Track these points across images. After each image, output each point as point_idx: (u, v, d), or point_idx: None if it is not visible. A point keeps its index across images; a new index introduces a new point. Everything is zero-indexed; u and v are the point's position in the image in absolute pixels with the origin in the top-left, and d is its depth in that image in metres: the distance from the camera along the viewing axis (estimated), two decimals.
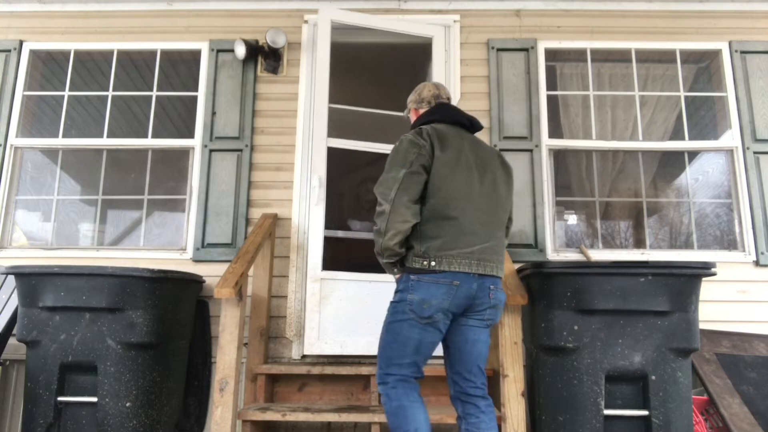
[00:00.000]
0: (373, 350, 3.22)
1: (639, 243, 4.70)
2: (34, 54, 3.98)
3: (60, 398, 2.66)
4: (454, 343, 2.14)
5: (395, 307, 2.11)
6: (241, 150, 3.69)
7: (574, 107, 3.98)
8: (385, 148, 3.60)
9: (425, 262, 2.04)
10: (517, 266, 2.82)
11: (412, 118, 2.46)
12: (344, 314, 3.35)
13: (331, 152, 3.55)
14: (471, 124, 2.31)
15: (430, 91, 2.40)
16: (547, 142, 3.70)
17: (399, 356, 2.07)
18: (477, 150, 2.22)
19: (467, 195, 2.11)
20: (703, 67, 4.02)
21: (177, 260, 3.54)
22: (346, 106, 3.75)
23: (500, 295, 2.17)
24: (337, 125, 3.73)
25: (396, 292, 2.14)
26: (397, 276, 2.16)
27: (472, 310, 2.10)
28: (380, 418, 2.72)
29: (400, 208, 2.04)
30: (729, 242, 3.74)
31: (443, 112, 2.30)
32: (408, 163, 2.09)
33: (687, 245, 4.46)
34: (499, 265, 2.15)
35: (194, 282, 3.17)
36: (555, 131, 3.84)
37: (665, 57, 3.91)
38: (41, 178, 4.42)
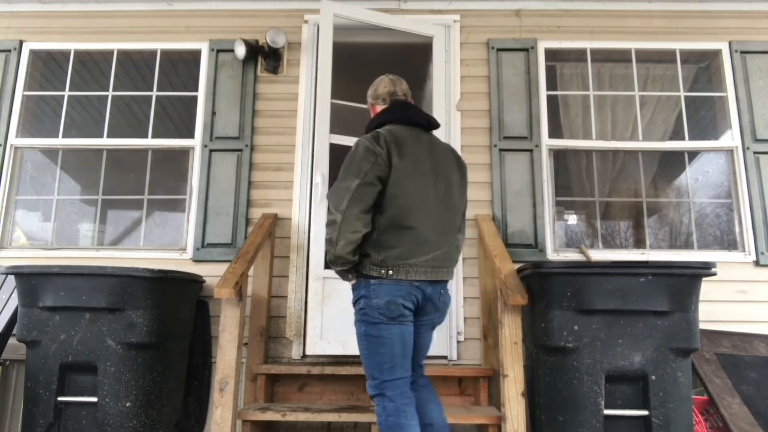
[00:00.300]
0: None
1: (639, 243, 4.70)
2: (34, 54, 3.98)
3: (60, 398, 2.66)
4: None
5: (364, 314, 2.10)
6: (241, 150, 3.69)
7: (574, 107, 3.97)
8: None
9: (383, 271, 2.06)
10: (517, 266, 2.82)
11: (371, 113, 2.43)
12: (347, 314, 3.34)
13: (334, 149, 3.52)
14: (428, 123, 2.29)
15: (386, 88, 2.36)
16: (547, 142, 3.70)
17: (389, 360, 2.06)
18: (433, 152, 2.22)
19: (423, 203, 2.12)
20: (703, 67, 4.02)
21: (177, 260, 3.54)
22: (348, 102, 3.72)
23: (447, 299, 2.24)
24: (338, 123, 3.72)
25: (359, 298, 2.13)
26: (353, 282, 2.16)
27: (422, 312, 2.15)
28: None
29: (351, 219, 2.02)
30: (729, 242, 3.74)
31: (400, 113, 2.26)
32: (362, 173, 2.06)
33: (687, 245, 4.46)
34: (450, 269, 2.20)
35: (194, 282, 3.17)
36: (555, 131, 3.84)
37: (665, 57, 3.91)
38: (41, 178, 4.42)
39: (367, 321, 2.09)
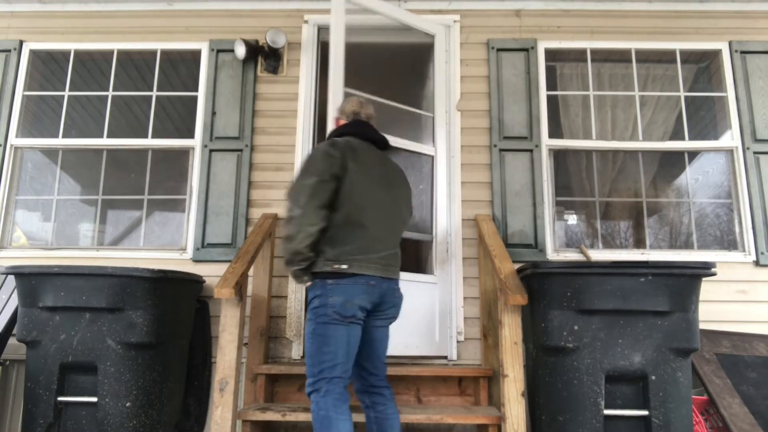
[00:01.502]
0: None
1: (639, 243, 4.70)
2: (34, 54, 3.98)
3: (60, 398, 2.67)
4: (363, 342, 2.26)
5: (317, 312, 2.17)
6: (241, 150, 3.69)
7: (574, 107, 3.97)
8: (398, 142, 3.50)
9: (336, 266, 2.16)
10: (517, 266, 2.82)
11: (336, 125, 2.61)
12: None
13: None
14: (383, 143, 2.48)
15: (353, 107, 2.55)
16: (547, 142, 3.70)
17: (331, 359, 2.14)
18: (386, 165, 2.41)
19: (375, 205, 2.28)
20: (703, 67, 4.02)
21: (177, 260, 3.54)
22: (362, 92, 3.59)
23: (401, 295, 2.38)
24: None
25: (314, 297, 2.20)
26: (309, 284, 2.23)
27: (379, 309, 2.27)
28: None
29: (310, 213, 2.14)
30: (729, 242, 3.74)
31: (359, 128, 2.44)
32: (320, 172, 2.20)
33: (687, 245, 4.46)
34: (398, 269, 2.36)
35: (194, 282, 3.17)
36: (555, 131, 3.84)
37: (665, 57, 3.91)
38: (41, 178, 4.42)
39: (318, 320, 2.17)
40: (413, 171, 3.58)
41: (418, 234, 3.52)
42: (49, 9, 3.99)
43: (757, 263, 3.48)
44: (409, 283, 3.27)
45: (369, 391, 2.34)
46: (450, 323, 3.41)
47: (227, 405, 2.57)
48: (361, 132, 2.42)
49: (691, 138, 3.83)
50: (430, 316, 3.38)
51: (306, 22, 3.90)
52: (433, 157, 3.66)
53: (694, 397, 2.68)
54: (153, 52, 3.95)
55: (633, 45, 3.85)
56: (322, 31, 3.94)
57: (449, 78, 3.80)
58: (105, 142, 3.86)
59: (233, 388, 2.59)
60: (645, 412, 2.44)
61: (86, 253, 3.63)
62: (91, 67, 4.19)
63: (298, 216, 2.14)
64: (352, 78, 3.46)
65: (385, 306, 2.28)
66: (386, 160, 2.45)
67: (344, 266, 2.15)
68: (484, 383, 3.06)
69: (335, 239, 2.18)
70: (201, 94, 3.82)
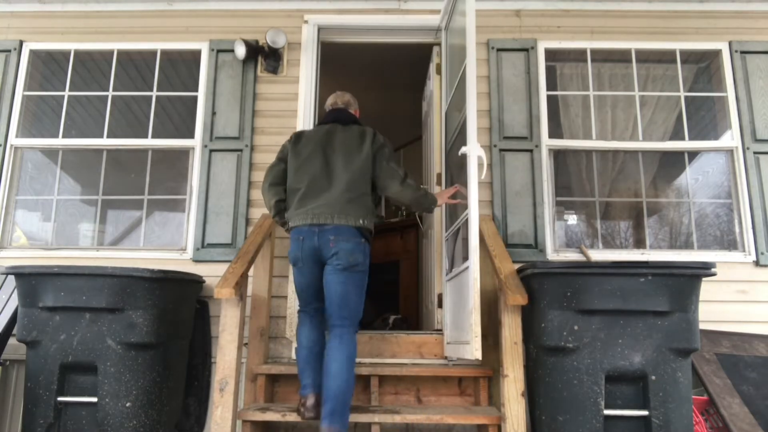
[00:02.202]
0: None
1: (639, 243, 4.70)
2: (34, 54, 3.98)
3: (60, 398, 2.67)
4: (323, 286, 2.68)
5: None
6: (241, 150, 3.69)
7: (574, 107, 3.97)
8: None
9: (286, 224, 2.85)
10: (517, 266, 2.82)
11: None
12: None
13: None
14: (345, 120, 2.93)
15: (330, 100, 3.09)
16: (547, 142, 3.70)
17: (298, 295, 2.80)
18: (331, 137, 2.83)
19: (307, 170, 2.77)
20: (703, 67, 4.02)
21: (177, 260, 3.54)
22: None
23: (342, 245, 2.62)
24: None
25: None
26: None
27: (323, 257, 2.64)
28: (380, 418, 2.72)
29: (264, 190, 2.90)
30: (729, 242, 3.74)
31: (326, 116, 3.00)
32: (275, 159, 2.94)
33: (687, 245, 4.45)
34: (336, 216, 2.64)
35: (194, 282, 3.18)
36: (555, 131, 3.84)
37: (665, 57, 3.91)
38: (41, 178, 4.41)
39: None
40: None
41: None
42: (49, 9, 3.99)
43: (757, 263, 3.48)
44: None
45: (328, 329, 2.68)
46: None
47: (227, 405, 2.57)
48: (327, 118, 2.97)
49: (691, 138, 3.83)
50: None
51: (306, 22, 3.90)
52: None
53: (694, 397, 2.67)
54: (153, 52, 3.95)
55: (633, 45, 3.85)
56: (322, 31, 3.94)
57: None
58: (105, 142, 3.86)
59: (233, 388, 2.59)
60: (645, 412, 2.44)
61: (86, 253, 3.63)
62: (91, 67, 4.19)
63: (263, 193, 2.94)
64: (351, 77, 3.47)
65: (326, 255, 2.62)
66: (341, 130, 2.85)
67: (290, 223, 2.76)
68: (484, 383, 3.06)
69: (287, 205, 2.83)
70: (201, 94, 3.82)
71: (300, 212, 2.69)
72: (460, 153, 2.87)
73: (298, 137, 2.91)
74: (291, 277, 3.49)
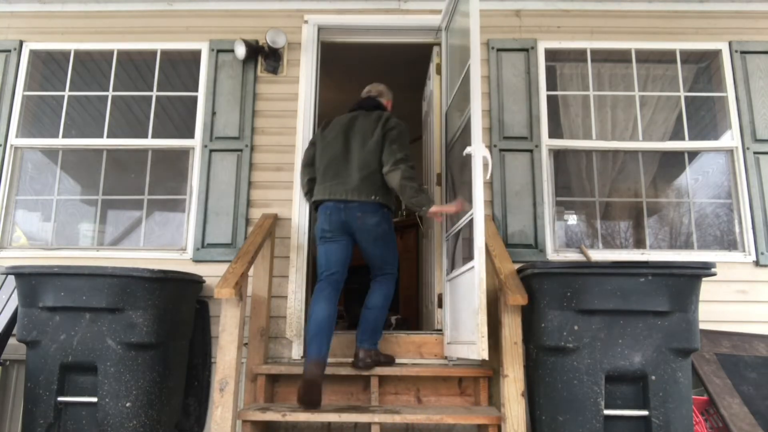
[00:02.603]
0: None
1: (639, 243, 4.70)
2: (34, 54, 3.98)
3: (60, 398, 2.67)
4: (349, 256, 3.08)
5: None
6: (241, 150, 3.69)
7: (574, 107, 3.97)
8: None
9: (312, 198, 3.20)
10: (517, 266, 2.82)
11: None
12: None
13: None
14: (369, 106, 3.23)
15: (364, 90, 3.41)
16: (547, 142, 3.70)
17: (320, 266, 3.05)
18: (353, 123, 3.13)
19: (330, 152, 3.10)
20: (703, 67, 4.02)
21: (177, 260, 3.54)
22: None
23: (368, 220, 2.96)
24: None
25: None
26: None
27: (354, 231, 2.98)
28: (380, 418, 2.72)
29: (300, 172, 3.36)
30: (729, 242, 3.74)
31: (355, 104, 3.30)
32: (309, 143, 3.40)
33: (687, 245, 4.45)
34: (350, 192, 2.95)
35: (194, 282, 3.18)
36: (555, 131, 3.84)
37: (665, 57, 3.91)
38: (41, 178, 4.41)
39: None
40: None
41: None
42: (49, 9, 3.99)
43: (757, 263, 3.48)
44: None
45: (371, 279, 3.15)
46: None
47: (227, 405, 2.57)
48: (354, 106, 3.29)
49: (691, 138, 3.83)
50: None
51: (306, 22, 3.90)
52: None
53: (694, 397, 2.68)
54: (153, 52, 3.95)
55: (633, 45, 3.85)
56: (322, 31, 3.94)
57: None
58: (105, 142, 3.86)
59: (233, 388, 2.59)
60: (645, 412, 2.44)
61: (86, 253, 3.63)
62: (91, 67, 4.19)
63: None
64: (351, 77, 3.48)
65: (354, 229, 2.97)
66: (358, 117, 3.15)
67: (314, 198, 3.14)
68: (484, 383, 3.06)
69: (316, 182, 3.18)
70: (201, 94, 3.82)
71: (321, 188, 3.06)
72: (465, 153, 2.86)
73: (327, 123, 3.25)
74: (291, 277, 3.49)
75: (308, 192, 3.27)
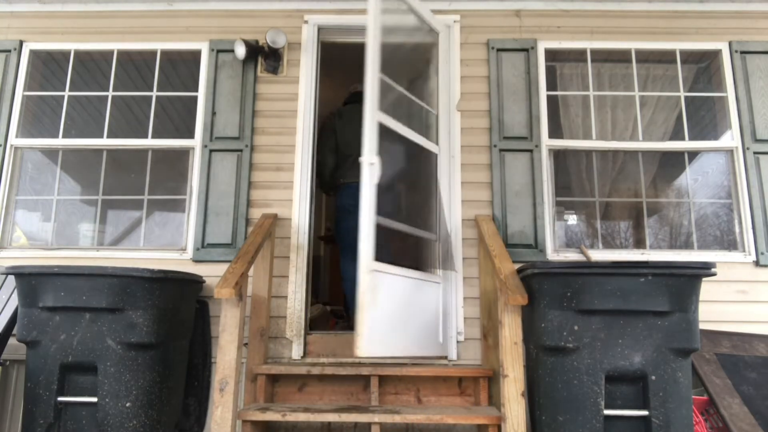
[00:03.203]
0: (379, 352, 3.18)
1: (639, 243, 4.70)
2: (34, 54, 3.98)
3: (60, 398, 2.67)
4: None
5: (336, 210, 4.00)
6: (241, 150, 3.69)
7: (574, 107, 3.97)
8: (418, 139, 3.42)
9: (336, 181, 3.96)
10: (517, 266, 2.82)
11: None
12: None
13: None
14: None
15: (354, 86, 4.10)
16: (547, 143, 3.70)
17: (341, 240, 3.87)
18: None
19: (350, 141, 3.74)
20: (703, 67, 4.02)
21: (177, 260, 3.54)
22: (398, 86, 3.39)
23: None
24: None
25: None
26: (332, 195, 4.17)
27: None
28: (380, 418, 2.72)
29: (326, 156, 4.01)
30: (729, 242, 3.74)
31: (350, 97, 4.11)
32: (328, 130, 4.02)
33: (687, 245, 4.46)
34: None
35: (194, 282, 3.17)
36: (555, 131, 3.84)
37: (665, 57, 3.91)
38: (41, 178, 4.41)
39: (336, 215, 3.94)
40: (421, 165, 3.58)
41: (421, 232, 3.52)
42: (49, 9, 3.99)
43: (757, 263, 3.48)
44: (418, 282, 3.27)
45: None
46: (450, 323, 3.41)
47: (227, 405, 2.57)
48: (351, 99, 4.05)
49: (691, 138, 3.83)
50: (435, 316, 3.37)
51: (306, 22, 3.90)
52: (437, 155, 3.66)
53: (694, 397, 2.68)
54: (153, 52, 3.95)
55: (633, 45, 3.85)
56: (322, 31, 3.94)
57: (449, 78, 3.80)
58: (105, 142, 3.86)
59: (233, 388, 2.59)
60: (645, 412, 2.44)
61: (86, 253, 3.63)
62: (91, 67, 4.19)
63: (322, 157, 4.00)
64: (351, 77, 3.47)
65: None
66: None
67: (340, 180, 3.90)
68: (484, 383, 3.06)
69: (336, 167, 3.94)
70: (201, 94, 3.81)
71: (343, 172, 3.82)
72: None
73: (341, 114, 3.96)
74: (291, 277, 3.49)
75: (331, 175, 3.96)
